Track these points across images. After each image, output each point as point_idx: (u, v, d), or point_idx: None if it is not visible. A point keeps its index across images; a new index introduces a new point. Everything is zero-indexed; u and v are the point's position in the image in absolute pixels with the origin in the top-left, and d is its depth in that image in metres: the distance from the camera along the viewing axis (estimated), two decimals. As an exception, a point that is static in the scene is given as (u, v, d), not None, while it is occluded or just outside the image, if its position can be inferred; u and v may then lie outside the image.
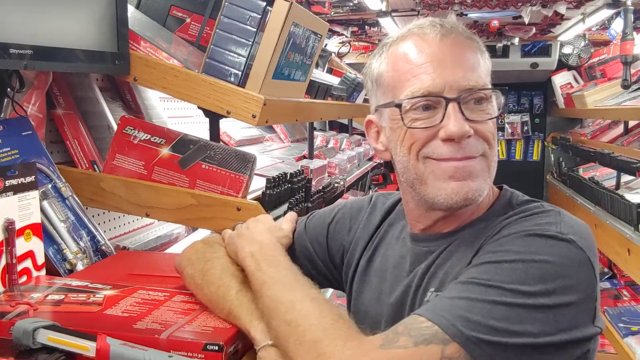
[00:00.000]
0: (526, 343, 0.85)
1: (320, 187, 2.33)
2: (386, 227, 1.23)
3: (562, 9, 3.53)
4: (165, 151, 1.54)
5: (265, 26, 1.56)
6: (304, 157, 2.92)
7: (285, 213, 1.77)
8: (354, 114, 3.47)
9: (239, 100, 1.52)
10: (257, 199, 1.68)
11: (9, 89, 1.30)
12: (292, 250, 1.24)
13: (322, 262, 1.27)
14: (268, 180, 1.78)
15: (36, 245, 1.22)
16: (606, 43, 5.03)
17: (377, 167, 4.10)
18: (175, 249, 1.93)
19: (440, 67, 1.00)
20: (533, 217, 0.99)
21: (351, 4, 3.71)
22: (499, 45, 4.97)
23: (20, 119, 1.34)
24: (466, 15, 3.79)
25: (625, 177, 3.91)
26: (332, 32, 4.48)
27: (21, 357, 0.87)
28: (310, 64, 1.97)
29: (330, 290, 1.43)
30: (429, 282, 1.06)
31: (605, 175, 4.37)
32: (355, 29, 4.48)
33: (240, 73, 1.56)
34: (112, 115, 1.75)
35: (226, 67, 1.57)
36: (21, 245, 1.17)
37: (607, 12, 3.64)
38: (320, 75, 2.90)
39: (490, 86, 1.04)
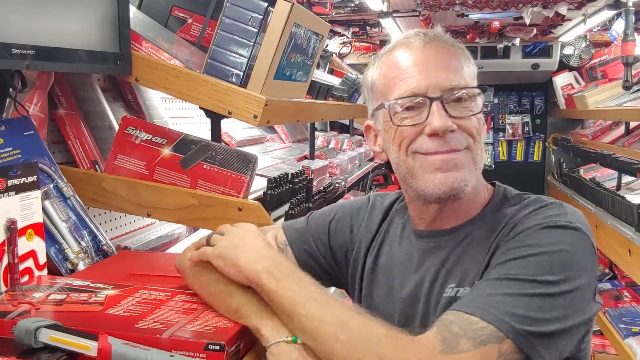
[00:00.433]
0: (558, 329, 0.93)
1: (322, 188, 2.33)
2: (387, 226, 1.28)
3: (563, 10, 3.53)
4: (166, 151, 1.54)
5: (267, 27, 1.56)
6: (305, 157, 2.91)
7: (286, 213, 1.77)
8: (355, 115, 3.46)
9: (241, 101, 1.52)
10: (258, 199, 1.68)
11: (11, 89, 1.31)
12: (295, 249, 1.27)
13: (324, 259, 1.29)
14: (269, 181, 1.78)
15: (38, 245, 1.22)
16: (607, 44, 5.03)
17: (378, 167, 4.09)
18: (176, 249, 1.93)
19: (425, 70, 1.10)
20: (540, 210, 1.07)
21: (352, 4, 3.71)
22: (500, 46, 4.96)
23: (22, 119, 1.34)
24: (467, 16, 3.79)
25: (626, 178, 3.91)
26: (333, 33, 4.47)
27: (23, 357, 0.88)
28: (312, 65, 1.97)
29: (333, 289, 1.44)
30: (446, 278, 1.11)
31: (606, 176, 4.37)
32: (357, 29, 4.49)
33: (241, 73, 1.57)
34: (113, 115, 1.75)
35: (228, 68, 1.57)
36: (23, 245, 1.17)
37: (608, 13, 3.63)
38: (321, 75, 2.90)
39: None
